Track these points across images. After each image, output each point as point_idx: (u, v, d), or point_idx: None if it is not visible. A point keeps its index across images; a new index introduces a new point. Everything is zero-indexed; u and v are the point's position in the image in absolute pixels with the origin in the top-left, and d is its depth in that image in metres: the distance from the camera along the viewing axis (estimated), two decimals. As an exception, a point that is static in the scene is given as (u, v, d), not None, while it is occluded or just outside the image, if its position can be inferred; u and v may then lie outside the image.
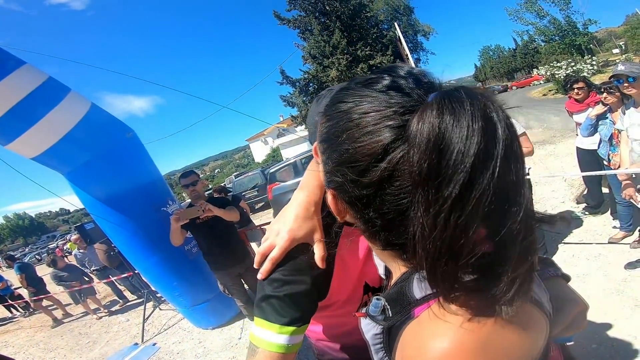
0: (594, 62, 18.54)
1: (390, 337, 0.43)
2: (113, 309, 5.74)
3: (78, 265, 6.19)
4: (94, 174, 2.90)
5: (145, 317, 4.15)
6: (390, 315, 0.42)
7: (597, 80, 14.63)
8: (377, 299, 0.44)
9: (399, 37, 16.12)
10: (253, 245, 4.68)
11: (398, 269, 0.45)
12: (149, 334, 4.03)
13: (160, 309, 4.62)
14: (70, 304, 6.26)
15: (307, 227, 0.65)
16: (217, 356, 3.14)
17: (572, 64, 18.61)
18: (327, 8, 15.21)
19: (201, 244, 2.92)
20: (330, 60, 14.85)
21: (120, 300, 5.81)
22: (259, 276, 0.63)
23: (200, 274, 3.31)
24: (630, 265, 2.39)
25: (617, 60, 22.42)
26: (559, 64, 19.19)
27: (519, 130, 2.60)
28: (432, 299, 0.38)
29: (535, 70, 25.29)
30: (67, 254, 14.70)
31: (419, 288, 0.40)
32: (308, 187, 0.69)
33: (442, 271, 0.32)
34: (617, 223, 2.92)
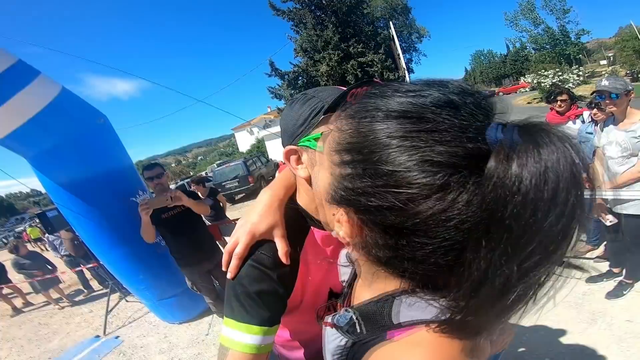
0: (580, 73, 19.04)
1: (352, 351, 0.42)
2: (76, 299, 5.53)
3: (42, 253, 5.94)
4: (59, 159, 2.74)
5: (110, 309, 4.01)
6: (363, 331, 0.41)
7: (582, 90, 15.08)
8: (347, 311, 0.44)
9: (392, 36, 16.16)
10: (228, 239, 4.58)
11: (382, 287, 0.41)
12: (112, 327, 3.90)
13: (127, 301, 4.47)
14: (31, 292, 6.00)
15: (268, 222, 0.67)
16: (182, 352, 3.06)
17: (559, 73, 19.08)
18: (324, 2, 15.02)
19: (168, 240, 2.80)
20: (321, 55, 14.69)
21: (85, 290, 5.61)
22: (229, 275, 0.62)
23: (168, 268, 3.18)
24: (591, 280, 2.46)
25: (604, 72, 23.12)
26: (545, 73, 19.66)
27: None
28: (415, 325, 0.37)
29: (522, 78, 25.85)
30: (36, 241, 14.13)
31: (403, 313, 0.38)
32: (272, 188, 0.75)
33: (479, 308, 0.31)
34: (583, 236, 2.98)
